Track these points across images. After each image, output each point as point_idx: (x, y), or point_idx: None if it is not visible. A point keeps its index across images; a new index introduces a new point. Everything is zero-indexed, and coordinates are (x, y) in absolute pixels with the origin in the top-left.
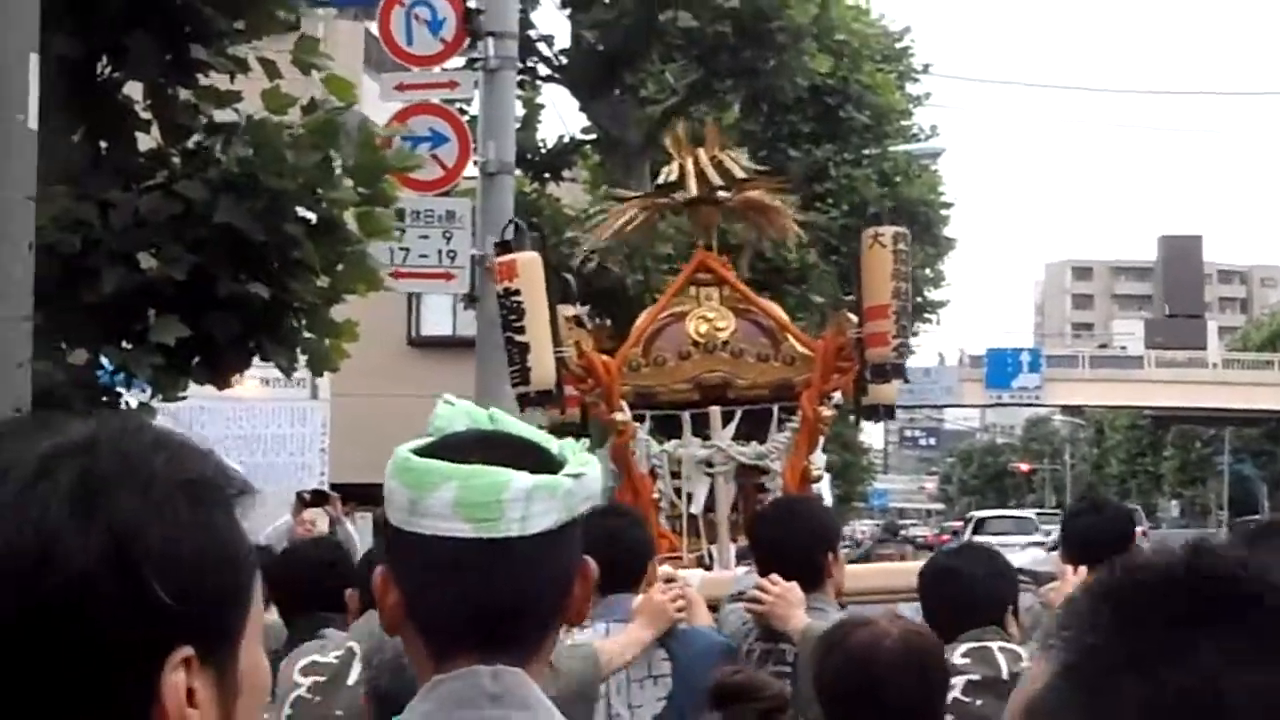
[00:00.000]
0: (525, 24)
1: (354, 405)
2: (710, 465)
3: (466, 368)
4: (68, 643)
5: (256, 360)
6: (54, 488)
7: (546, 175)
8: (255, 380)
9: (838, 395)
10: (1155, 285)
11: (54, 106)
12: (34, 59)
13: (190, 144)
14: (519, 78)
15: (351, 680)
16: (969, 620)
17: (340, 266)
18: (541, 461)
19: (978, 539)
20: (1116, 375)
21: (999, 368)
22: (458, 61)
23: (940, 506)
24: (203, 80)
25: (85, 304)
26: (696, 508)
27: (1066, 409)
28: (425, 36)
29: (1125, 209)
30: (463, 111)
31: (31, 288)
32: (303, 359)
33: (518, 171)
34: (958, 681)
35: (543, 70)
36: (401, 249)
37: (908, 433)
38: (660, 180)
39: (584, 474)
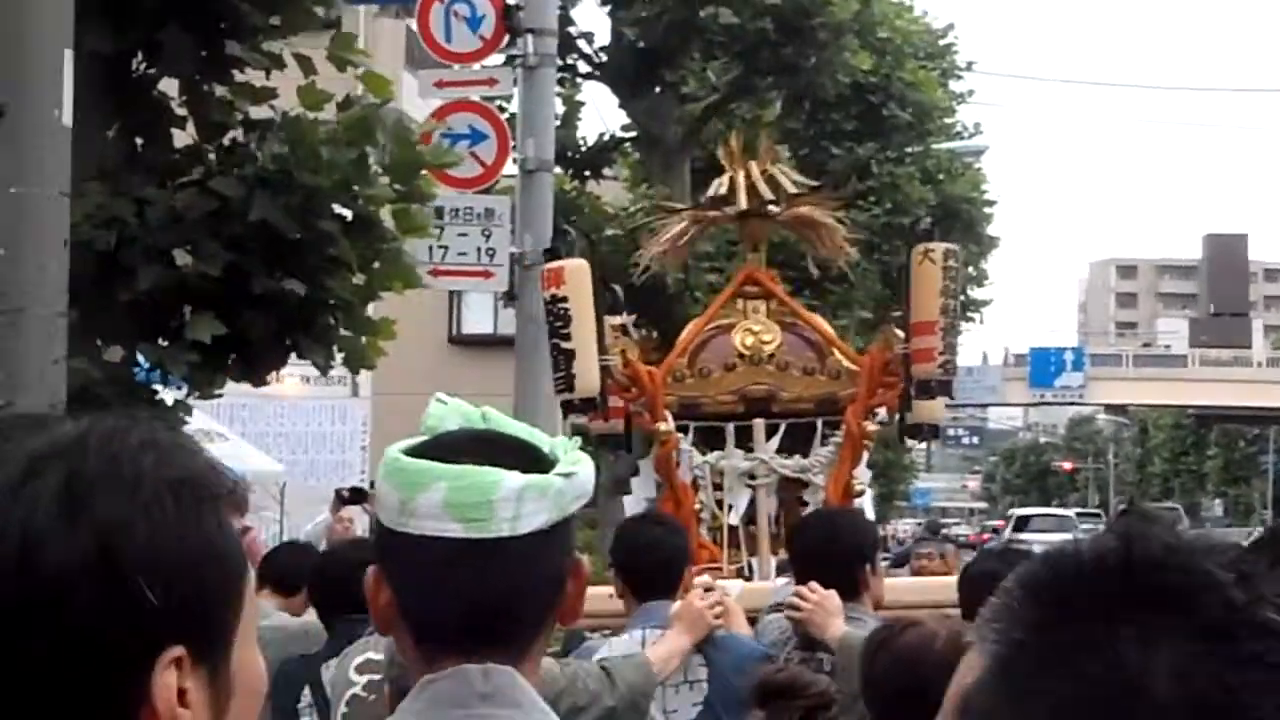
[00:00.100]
0: (565, 21)
1: (395, 403)
2: (753, 477)
3: (507, 366)
4: (54, 644)
5: (295, 358)
6: (41, 489)
7: (586, 173)
8: (296, 378)
9: (882, 412)
10: (1200, 284)
11: (89, 103)
12: (68, 55)
13: (226, 141)
14: (559, 75)
15: None
16: None
17: (377, 264)
18: (533, 461)
19: (1020, 536)
20: (1160, 374)
21: (1042, 366)
22: (497, 59)
23: (983, 505)
24: (238, 77)
25: (121, 301)
26: (736, 519)
27: (1110, 408)
28: (464, 33)
29: (1170, 207)
30: (502, 109)
31: (66, 284)
32: (339, 357)
33: (557, 169)
34: None
35: (583, 67)
36: (440, 247)
37: (951, 431)
38: (710, 193)
39: (575, 473)
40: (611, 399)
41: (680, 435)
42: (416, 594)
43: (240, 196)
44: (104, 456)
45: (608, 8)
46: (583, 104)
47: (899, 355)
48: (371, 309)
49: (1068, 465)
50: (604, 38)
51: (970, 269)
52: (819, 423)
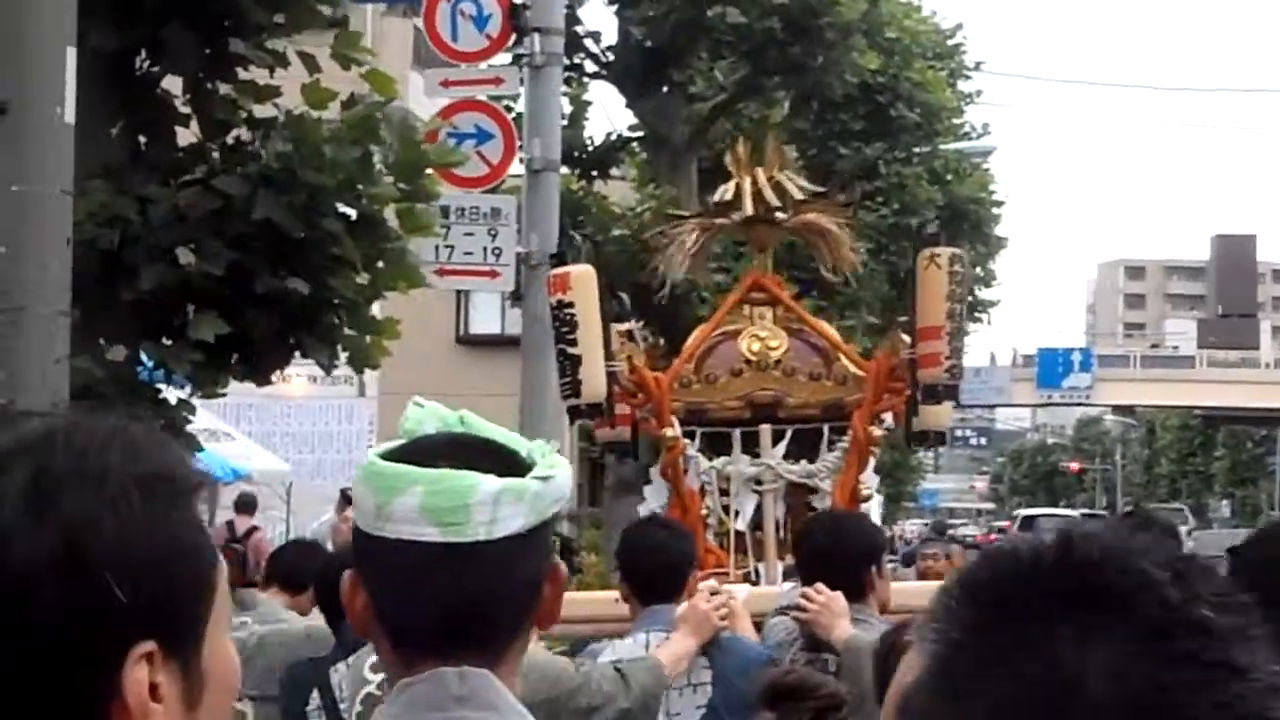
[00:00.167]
0: (572, 20)
1: (402, 403)
2: (759, 483)
3: (515, 366)
4: (24, 641)
5: (300, 358)
6: (8, 485)
7: (593, 173)
8: (303, 378)
9: (888, 418)
10: (1208, 285)
11: (92, 101)
12: (71, 52)
13: (229, 139)
14: (565, 74)
15: None
16: None
17: (381, 263)
18: (510, 464)
19: (1026, 537)
20: (1168, 375)
21: (1050, 367)
22: (504, 58)
23: (991, 506)
24: (242, 75)
25: (124, 300)
26: (743, 524)
27: (1118, 409)
28: (471, 32)
29: (1178, 208)
30: (508, 108)
31: (69, 283)
32: (343, 356)
33: (564, 169)
34: None
35: (589, 67)
36: (446, 246)
37: (959, 432)
38: (716, 198)
39: (553, 476)
40: (619, 406)
41: (687, 441)
42: (393, 598)
43: (244, 195)
44: (71, 452)
45: (615, 7)
46: (589, 103)
47: (905, 360)
48: (378, 308)
49: (1075, 466)
50: (611, 37)
51: (978, 269)
52: (825, 428)
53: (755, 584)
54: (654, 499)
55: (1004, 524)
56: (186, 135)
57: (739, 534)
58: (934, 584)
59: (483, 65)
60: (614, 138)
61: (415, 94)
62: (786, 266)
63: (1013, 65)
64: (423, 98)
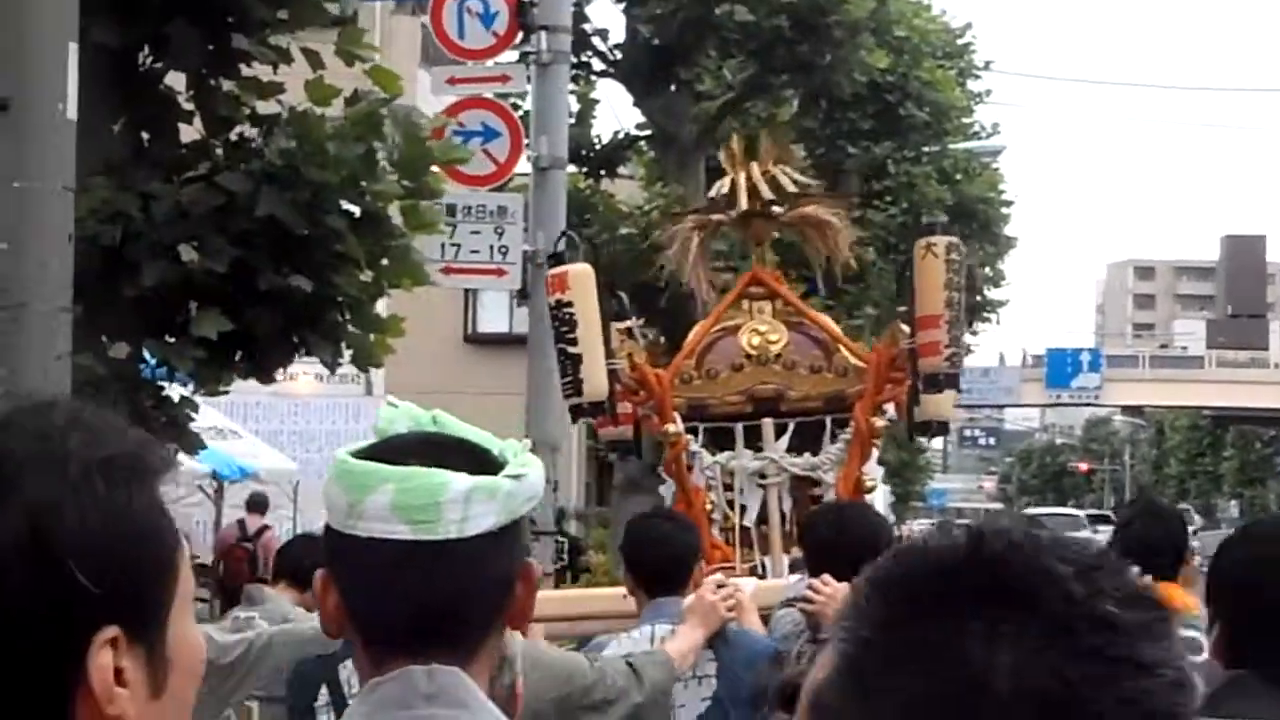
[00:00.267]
0: (579, 18)
1: (409, 401)
2: (763, 477)
3: (523, 365)
4: None
5: (305, 355)
6: None
7: (601, 172)
8: (310, 376)
9: (890, 409)
10: (1218, 285)
11: (94, 97)
12: (73, 48)
13: (233, 136)
14: (573, 72)
15: None
16: None
17: (385, 260)
18: (482, 463)
19: None
20: (1177, 375)
21: (1059, 367)
22: (511, 55)
23: (999, 506)
24: (245, 71)
25: (126, 297)
26: (750, 519)
27: (1126, 409)
28: (477, 30)
29: (1188, 208)
30: (516, 106)
31: (71, 280)
32: (347, 354)
33: (572, 168)
34: None
35: (597, 65)
36: (453, 244)
37: (967, 432)
38: (711, 194)
39: (525, 475)
40: (621, 404)
41: (689, 437)
42: (364, 596)
43: (247, 192)
44: (31, 438)
45: (622, 5)
46: (597, 102)
47: (905, 350)
48: (386, 307)
49: (1084, 466)
50: (619, 35)
51: (987, 269)
52: (828, 420)
53: (762, 578)
54: (670, 496)
55: None
56: (189, 132)
57: (744, 528)
58: None
59: (489, 63)
60: (621, 136)
61: (424, 92)
62: (794, 266)
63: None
64: (431, 96)
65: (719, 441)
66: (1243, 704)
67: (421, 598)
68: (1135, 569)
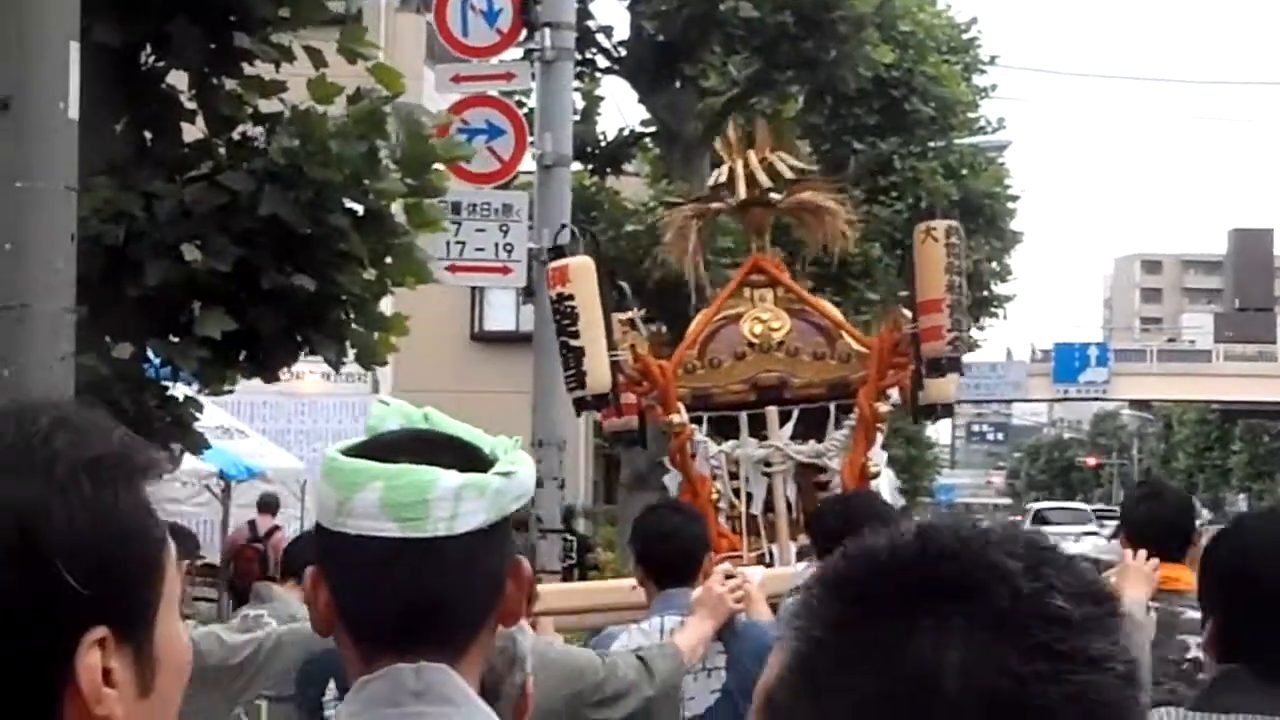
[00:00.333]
0: (584, 15)
1: (416, 400)
2: (768, 465)
3: (530, 363)
4: None
5: (310, 355)
6: None
7: (606, 169)
8: (316, 375)
9: (894, 394)
10: (1225, 278)
11: (96, 96)
12: (74, 47)
13: (235, 134)
14: (577, 69)
15: None
16: None
17: (388, 259)
18: (471, 460)
19: (1037, 527)
20: (1184, 369)
21: (1066, 362)
22: (515, 53)
23: (1008, 501)
24: (248, 70)
25: (130, 297)
26: (756, 508)
27: (1134, 403)
28: (481, 27)
29: (1195, 202)
30: (520, 104)
31: (74, 280)
32: (351, 353)
33: (577, 165)
34: None
35: (602, 62)
36: (457, 243)
37: (975, 427)
38: (710, 183)
39: (514, 472)
40: (625, 395)
41: (694, 426)
42: (354, 594)
43: (250, 191)
44: (19, 439)
45: (627, 1)
46: (602, 99)
47: (907, 335)
48: (393, 305)
49: (1092, 461)
50: (623, 32)
51: (994, 264)
52: (832, 407)
53: (769, 565)
54: (674, 486)
55: (1015, 518)
56: (192, 131)
57: (751, 516)
58: None
59: (494, 60)
60: (626, 133)
61: (430, 90)
62: (800, 261)
63: (1028, 59)
64: (434, 94)
65: (724, 430)
66: (1235, 698)
67: (410, 595)
68: (1094, 564)
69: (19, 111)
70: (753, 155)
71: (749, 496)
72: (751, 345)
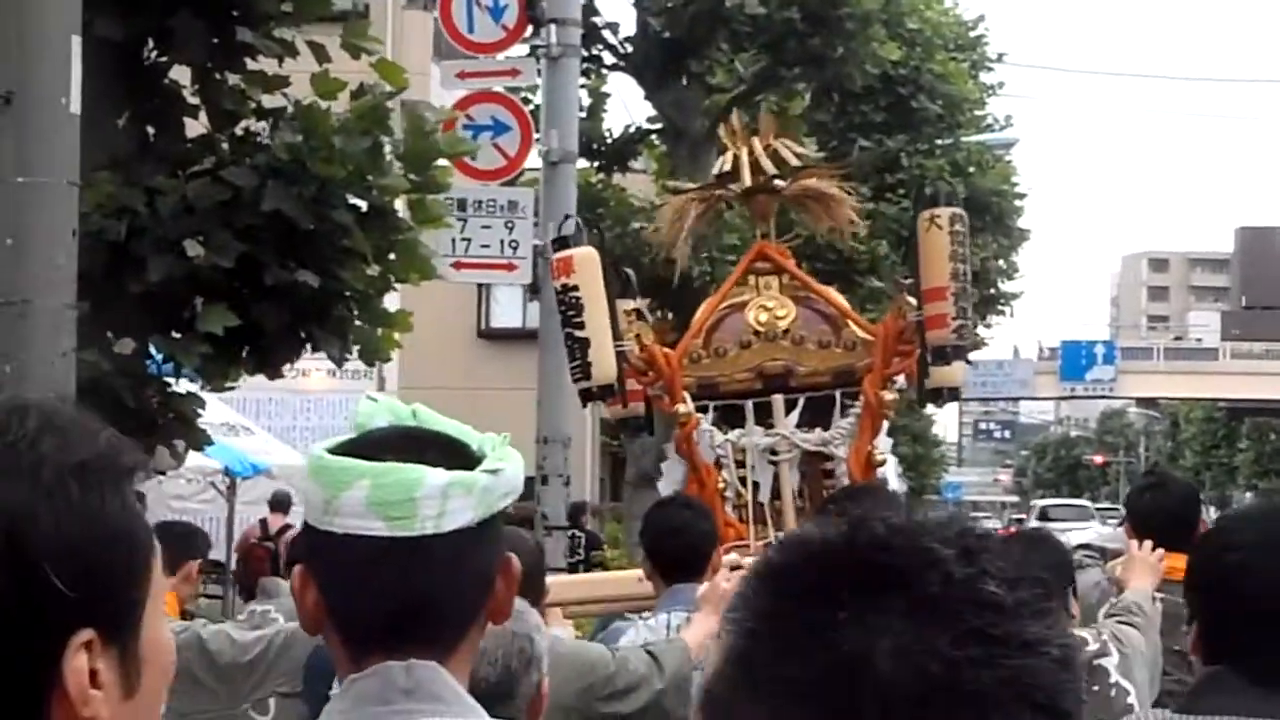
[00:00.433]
0: (590, 11)
1: (422, 397)
2: (775, 453)
3: (536, 360)
4: None
5: (313, 351)
6: None
7: (613, 166)
8: (322, 372)
9: (900, 379)
10: (1232, 277)
11: (99, 91)
12: (76, 41)
13: (238, 130)
14: (583, 66)
15: None
16: None
17: (392, 255)
18: (459, 457)
19: (1039, 524)
20: (1191, 367)
21: (1073, 360)
22: (520, 49)
23: (1015, 499)
24: (251, 65)
25: (132, 293)
26: (763, 496)
27: (1141, 401)
28: (487, 23)
29: (1202, 199)
30: (526, 100)
31: (75, 276)
32: (355, 349)
33: (584, 162)
34: None
35: (608, 58)
36: (463, 239)
37: (982, 425)
38: (715, 171)
39: (502, 469)
40: (630, 382)
41: (700, 416)
42: (341, 593)
43: (253, 186)
44: (4, 443)
45: None
46: (608, 95)
47: (913, 323)
48: (400, 302)
49: (1099, 459)
50: (629, 28)
51: (1001, 262)
52: (838, 395)
53: None
54: (671, 473)
55: (1020, 515)
56: (195, 126)
57: (758, 505)
58: None
59: (499, 57)
60: (632, 130)
61: (436, 87)
62: (807, 258)
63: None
64: (440, 90)
65: (730, 419)
66: (1221, 700)
67: (399, 594)
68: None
69: (21, 106)
70: (757, 142)
71: (755, 485)
72: (757, 333)
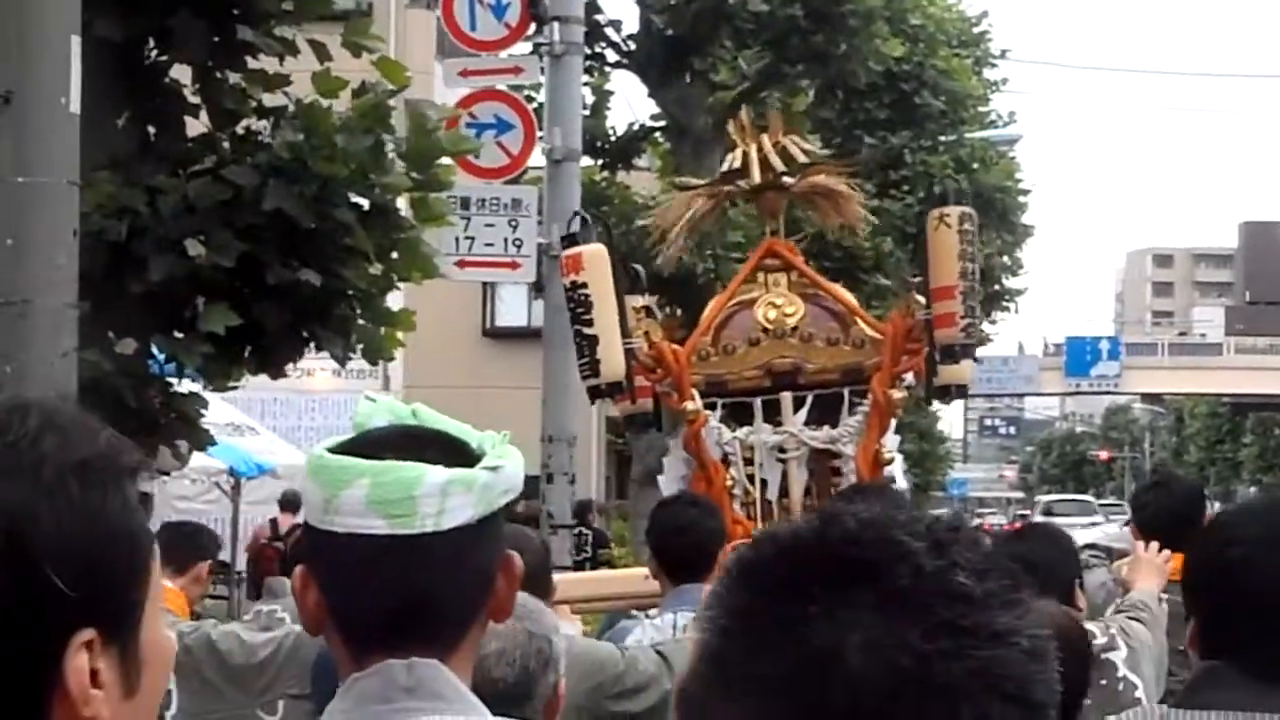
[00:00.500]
0: (592, 8)
1: (427, 396)
2: (783, 451)
3: (541, 358)
4: None
5: (316, 350)
6: None
7: (617, 164)
8: (327, 372)
9: (909, 377)
10: (1236, 272)
11: (99, 90)
12: (75, 41)
13: (239, 129)
14: (586, 64)
15: None
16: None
17: (394, 253)
18: (459, 455)
19: (1045, 519)
20: (1196, 362)
21: (1078, 356)
22: (523, 47)
23: (1020, 495)
24: (251, 64)
25: (133, 292)
26: (771, 494)
27: (1146, 397)
28: (489, 21)
29: (1206, 195)
30: (530, 99)
31: (76, 276)
32: (358, 348)
33: (587, 159)
34: None
35: (611, 56)
36: (467, 238)
37: (988, 421)
38: (724, 168)
39: (502, 466)
40: (638, 378)
41: (709, 413)
42: (342, 592)
43: (254, 185)
44: (4, 442)
45: None
46: (611, 93)
47: (921, 321)
48: (405, 301)
49: (1104, 454)
50: (632, 26)
51: (1005, 258)
52: (846, 392)
53: None
54: (673, 469)
55: (1024, 511)
56: (196, 125)
57: (766, 503)
58: None
59: (502, 54)
60: (636, 128)
61: (440, 86)
62: (813, 255)
63: (1038, 52)
64: (446, 89)
65: (738, 417)
66: (1219, 694)
67: (399, 592)
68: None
69: (20, 106)
70: (766, 139)
71: (763, 483)
72: (766, 331)
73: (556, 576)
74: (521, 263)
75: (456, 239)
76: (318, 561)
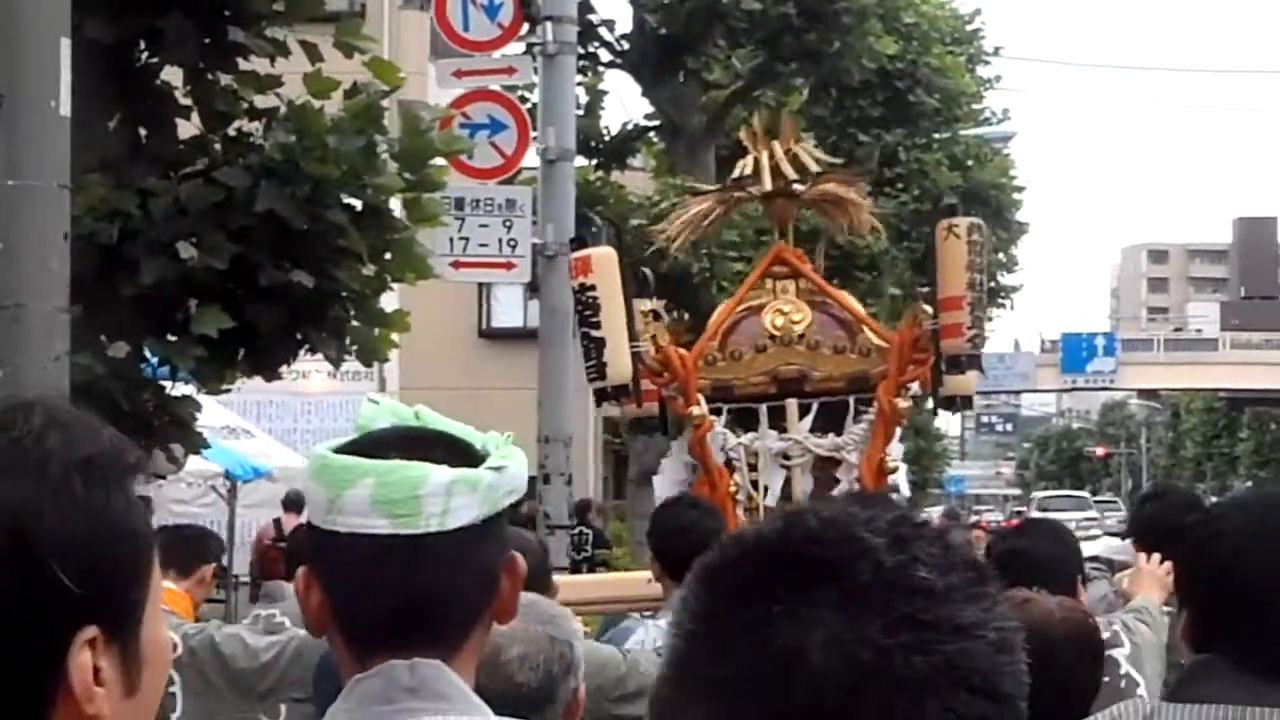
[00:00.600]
0: (585, 8)
1: (423, 397)
2: (787, 458)
3: (537, 359)
4: None
5: (310, 352)
6: None
7: (612, 163)
8: (322, 374)
9: (915, 386)
10: (1231, 267)
11: (89, 92)
12: (65, 43)
13: (231, 130)
14: (580, 64)
15: None
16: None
17: (388, 254)
18: (463, 456)
19: (1042, 514)
20: (1191, 358)
21: (1074, 352)
22: (516, 47)
23: (1017, 492)
24: (243, 65)
25: (125, 295)
26: (772, 500)
27: (1142, 393)
28: (482, 21)
29: (1200, 191)
30: (523, 99)
31: (68, 279)
32: (352, 350)
33: (581, 159)
34: None
35: (604, 55)
36: (461, 238)
37: (984, 419)
38: (735, 174)
39: (506, 467)
40: (644, 382)
41: (714, 418)
42: (345, 592)
43: (246, 187)
44: (9, 439)
45: None
46: (605, 93)
47: (928, 331)
48: (400, 302)
49: (1101, 450)
50: (626, 25)
51: (1000, 255)
52: (851, 401)
53: None
54: (671, 471)
55: (1021, 508)
56: (187, 127)
57: (768, 509)
58: None
59: (495, 55)
60: (630, 127)
61: (434, 87)
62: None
63: (1032, 49)
64: (440, 90)
65: (743, 422)
66: (1211, 687)
67: (403, 592)
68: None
69: (10, 109)
70: (778, 146)
71: (765, 489)
72: (772, 338)
73: (557, 579)
74: (516, 263)
75: (451, 240)
76: (321, 562)
